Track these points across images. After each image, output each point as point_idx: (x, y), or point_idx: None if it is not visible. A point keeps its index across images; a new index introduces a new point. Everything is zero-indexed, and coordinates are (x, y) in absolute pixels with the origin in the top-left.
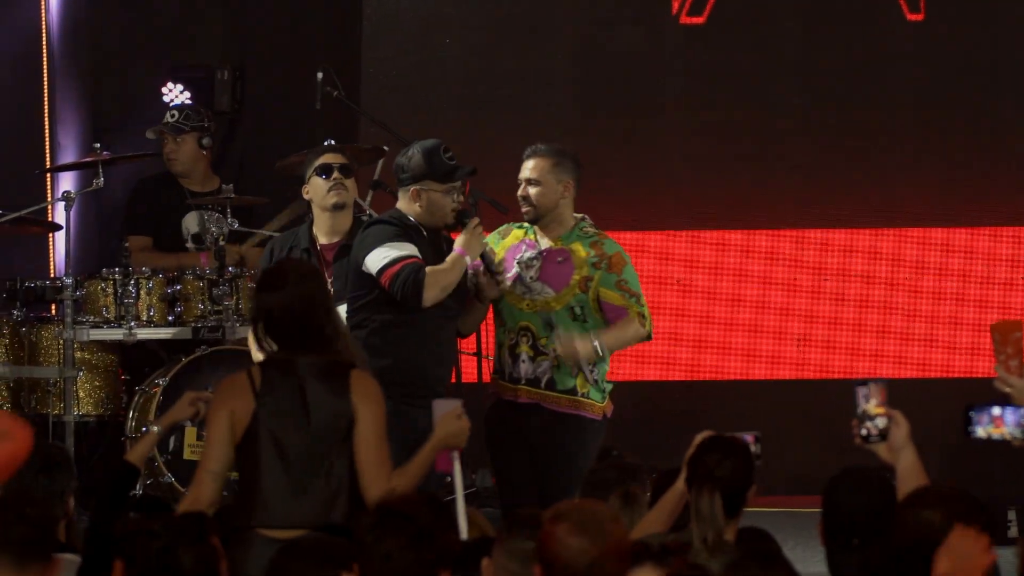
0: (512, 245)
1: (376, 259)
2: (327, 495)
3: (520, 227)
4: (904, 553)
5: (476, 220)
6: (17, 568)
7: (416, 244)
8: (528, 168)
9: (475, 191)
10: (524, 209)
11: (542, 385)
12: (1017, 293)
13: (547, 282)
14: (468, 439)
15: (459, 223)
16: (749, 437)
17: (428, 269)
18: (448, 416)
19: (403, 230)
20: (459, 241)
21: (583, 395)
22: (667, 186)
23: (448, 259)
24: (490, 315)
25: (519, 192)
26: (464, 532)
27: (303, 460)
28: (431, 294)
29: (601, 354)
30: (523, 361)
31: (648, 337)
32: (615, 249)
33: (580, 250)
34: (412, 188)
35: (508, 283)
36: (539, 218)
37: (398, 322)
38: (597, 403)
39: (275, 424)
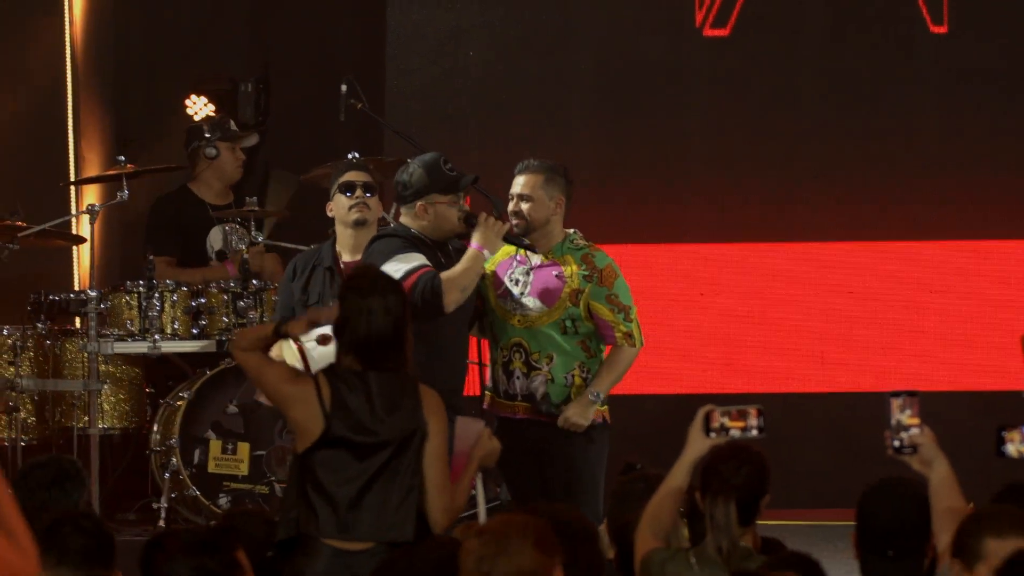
0: (502, 260)
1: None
2: (400, 508)
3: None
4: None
5: (484, 214)
6: None
7: (423, 254)
8: (520, 184)
9: (498, 203)
10: (515, 223)
11: (537, 399)
12: None
13: (538, 297)
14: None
15: (468, 226)
16: (752, 410)
17: (443, 274)
18: (482, 438)
19: (409, 242)
20: (476, 238)
21: None
22: (690, 198)
23: (464, 257)
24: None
25: (510, 207)
26: None
27: (376, 475)
28: (451, 298)
29: (600, 401)
30: (517, 377)
31: (637, 349)
32: (606, 262)
33: (571, 263)
34: (418, 204)
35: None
36: (529, 233)
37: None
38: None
39: (348, 438)
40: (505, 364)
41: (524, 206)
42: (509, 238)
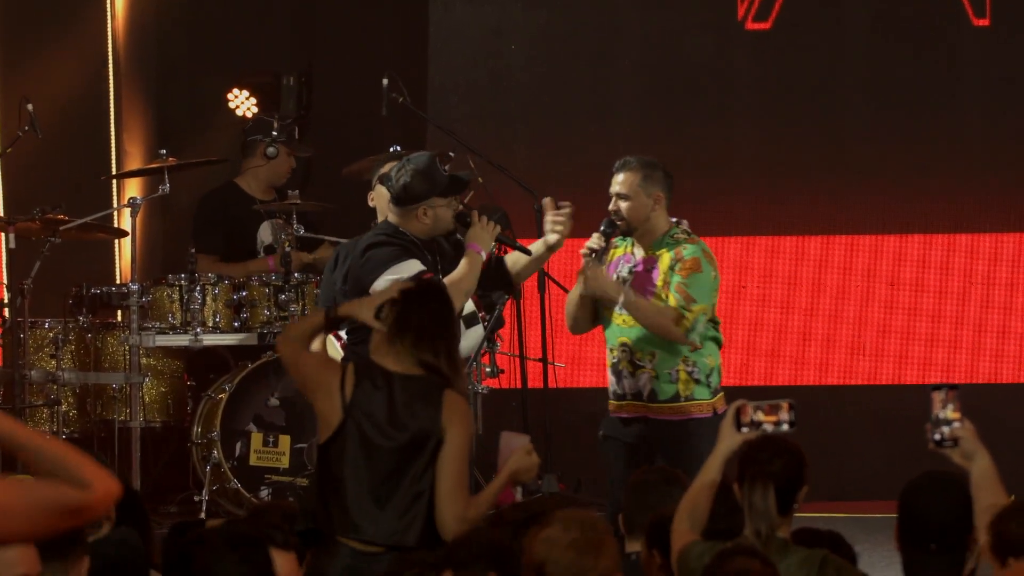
0: (611, 262)
1: (387, 283)
2: (406, 513)
3: (617, 244)
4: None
5: (476, 213)
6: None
7: (419, 259)
8: (618, 183)
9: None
10: (618, 223)
11: (644, 397)
12: None
13: (638, 293)
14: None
15: (461, 224)
16: (784, 404)
17: (447, 280)
18: (519, 451)
19: (404, 249)
20: (470, 237)
21: (687, 397)
22: (733, 191)
23: (463, 262)
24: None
25: (610, 207)
26: None
27: (388, 475)
28: (457, 304)
29: (620, 299)
30: (625, 377)
31: (682, 339)
32: (694, 255)
33: (664, 256)
34: (420, 208)
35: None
36: (630, 231)
37: None
38: (705, 400)
39: (364, 434)
40: (614, 365)
41: (622, 205)
42: (503, 239)
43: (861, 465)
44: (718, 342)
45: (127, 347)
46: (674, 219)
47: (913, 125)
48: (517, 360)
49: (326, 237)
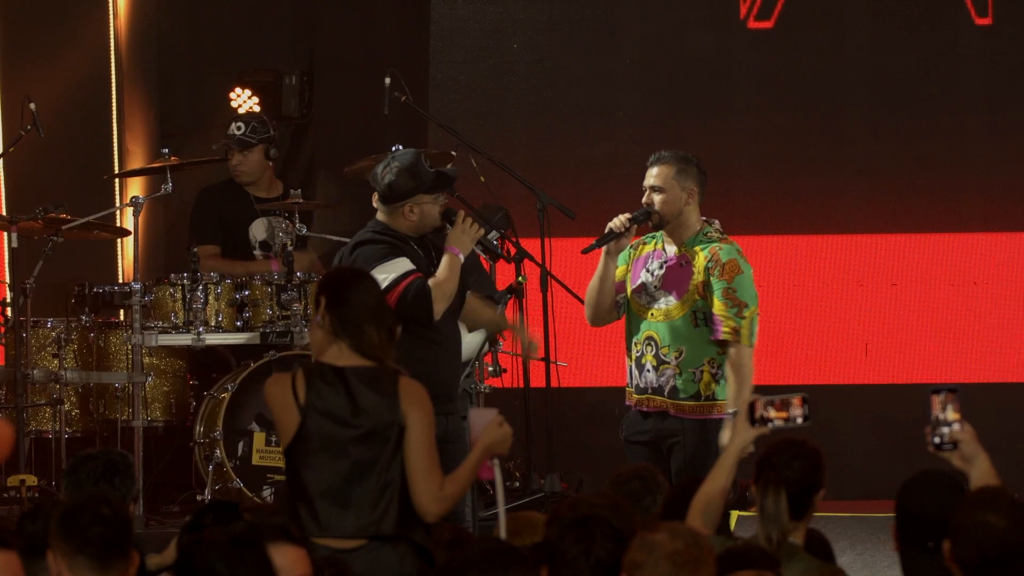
0: (639, 257)
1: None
2: (378, 503)
3: (646, 241)
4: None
5: (462, 214)
6: (99, 568)
7: (408, 256)
8: (652, 176)
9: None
10: (651, 213)
11: (666, 393)
12: None
13: (669, 290)
14: (513, 445)
15: (446, 222)
16: (796, 399)
17: (430, 282)
18: (491, 425)
19: (392, 246)
20: (449, 239)
21: (707, 397)
22: (734, 191)
23: (442, 264)
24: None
25: (643, 199)
26: (504, 535)
27: (353, 469)
28: (439, 307)
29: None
30: (648, 371)
31: (749, 347)
32: (731, 256)
33: (699, 255)
34: (406, 206)
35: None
36: (663, 225)
37: (405, 331)
38: (724, 401)
39: (324, 432)
40: (638, 358)
41: (656, 198)
42: (485, 243)
43: (863, 464)
44: None
45: (129, 346)
46: (704, 218)
47: (915, 124)
48: (519, 359)
49: (328, 236)
